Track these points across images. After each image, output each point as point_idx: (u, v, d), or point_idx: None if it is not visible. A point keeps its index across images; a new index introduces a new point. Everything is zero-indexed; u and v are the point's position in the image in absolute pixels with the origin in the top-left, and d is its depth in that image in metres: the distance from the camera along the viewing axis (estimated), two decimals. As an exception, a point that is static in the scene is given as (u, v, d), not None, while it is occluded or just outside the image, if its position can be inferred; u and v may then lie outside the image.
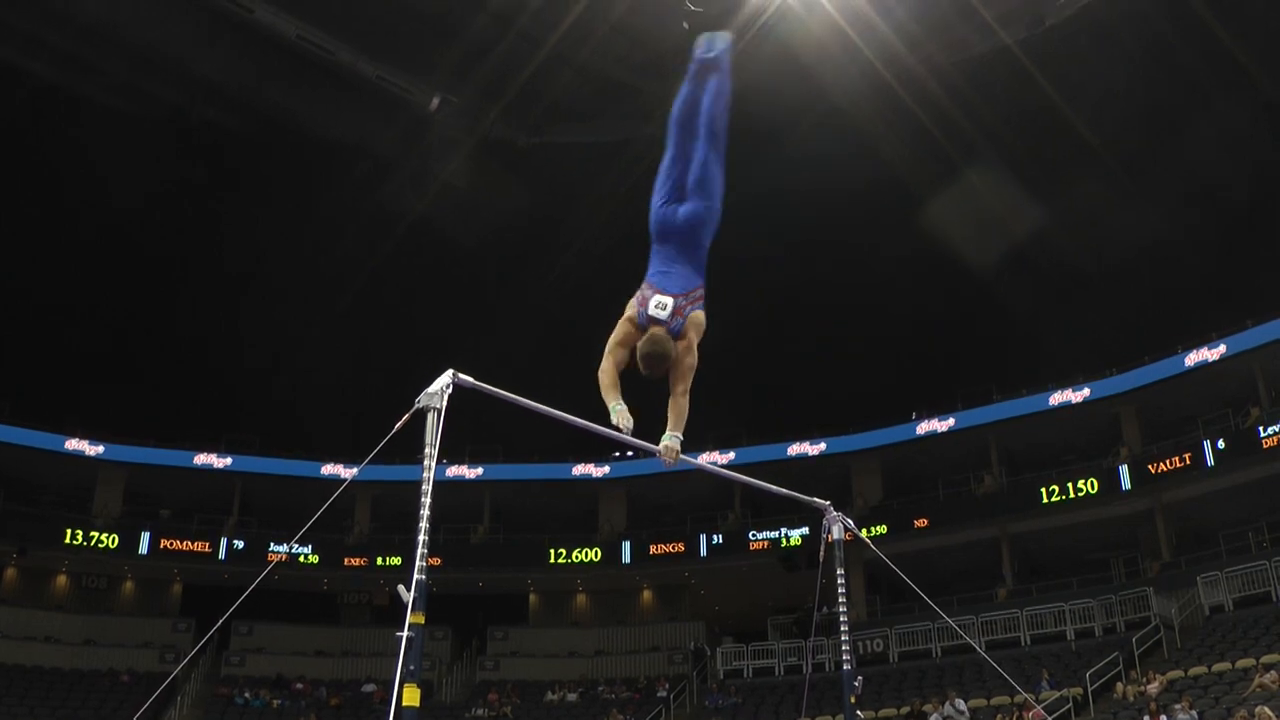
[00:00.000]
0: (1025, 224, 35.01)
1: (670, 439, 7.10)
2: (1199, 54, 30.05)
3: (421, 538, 5.80)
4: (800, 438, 37.75)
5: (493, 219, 35.56)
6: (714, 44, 7.91)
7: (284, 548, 34.74)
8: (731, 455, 36.80)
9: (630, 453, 35.34)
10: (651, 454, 7.26)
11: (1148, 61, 30.83)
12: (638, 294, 7.16)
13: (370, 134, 33.58)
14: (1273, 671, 23.23)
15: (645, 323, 7.03)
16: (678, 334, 7.04)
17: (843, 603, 9.57)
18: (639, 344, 6.99)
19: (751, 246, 37.76)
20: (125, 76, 31.04)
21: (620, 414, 6.88)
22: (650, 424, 7.16)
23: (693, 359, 7.08)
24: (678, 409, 7.11)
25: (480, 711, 33.92)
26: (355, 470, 31.60)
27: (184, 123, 33.21)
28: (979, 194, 33.93)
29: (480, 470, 38.69)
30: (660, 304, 7.03)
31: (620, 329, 7.10)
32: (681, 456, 7.17)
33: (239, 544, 36.77)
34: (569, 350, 37.79)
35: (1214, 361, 32.06)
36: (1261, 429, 30.35)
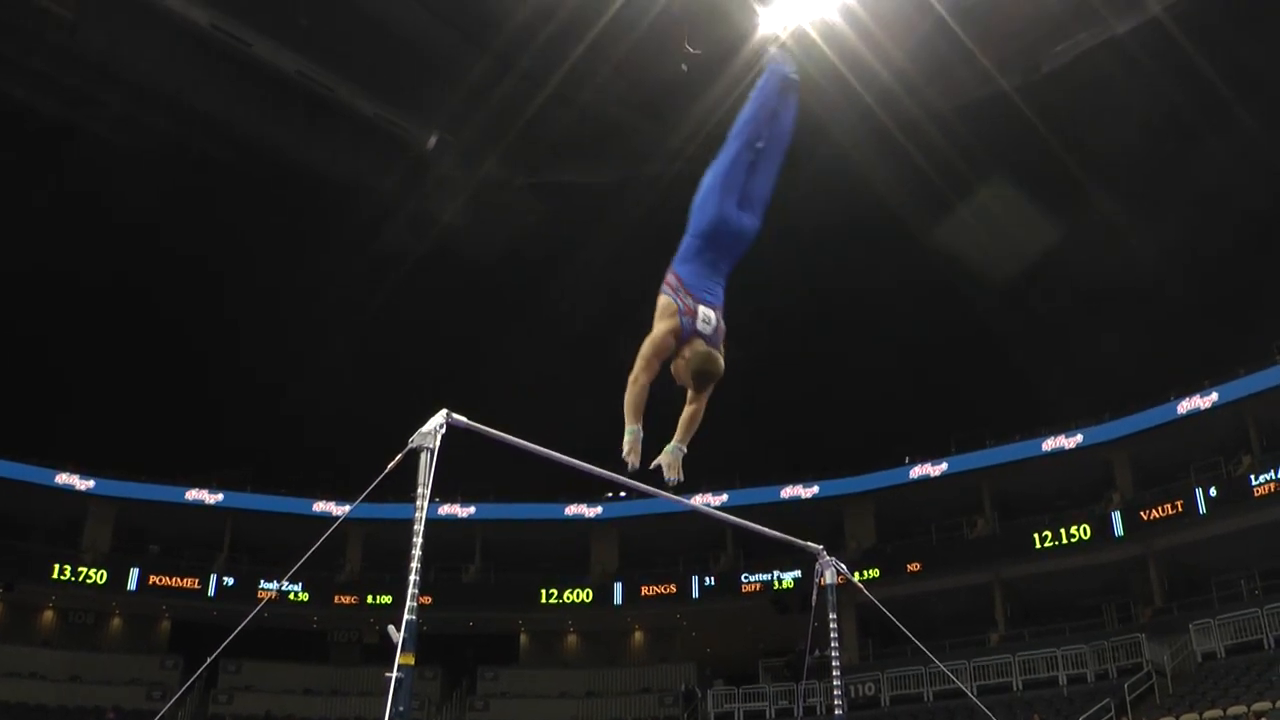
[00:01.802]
0: (1022, 265, 35.14)
1: (676, 450, 6.90)
2: (1199, 105, 30.21)
3: (412, 577, 5.78)
4: (793, 480, 37.75)
5: (492, 254, 35.61)
6: (790, 66, 7.72)
7: (274, 585, 34.62)
8: (724, 497, 36.77)
9: (623, 494, 35.34)
10: (645, 495, 7.22)
11: (1146, 109, 31.01)
12: (674, 296, 6.80)
13: (368, 173, 33.62)
14: (1264, 719, 23.16)
15: (688, 335, 6.74)
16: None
17: (835, 646, 9.54)
18: (692, 360, 6.71)
19: (746, 290, 37.90)
20: (126, 111, 31.12)
21: (633, 443, 6.58)
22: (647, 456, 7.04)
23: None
24: (693, 420, 6.98)
25: (469, 752, 33.77)
26: (347, 508, 31.49)
27: (184, 158, 33.30)
28: (976, 237, 34.05)
29: (472, 509, 38.62)
30: (706, 318, 6.77)
31: (660, 338, 6.70)
32: (675, 498, 7.11)
33: (229, 581, 36.63)
34: (562, 391, 37.98)
35: (1206, 409, 32.12)
36: (1253, 477, 30.39)
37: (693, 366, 6.72)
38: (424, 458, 6.08)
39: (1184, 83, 29.41)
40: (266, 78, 30.51)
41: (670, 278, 6.87)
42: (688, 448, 6.95)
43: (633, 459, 6.64)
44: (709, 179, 7.11)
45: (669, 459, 6.88)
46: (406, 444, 6.15)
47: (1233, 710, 24.87)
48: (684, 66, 28.88)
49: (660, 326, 6.69)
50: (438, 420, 6.19)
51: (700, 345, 6.71)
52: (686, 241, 7.00)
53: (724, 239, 6.98)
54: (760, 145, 7.32)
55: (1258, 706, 24.18)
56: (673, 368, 6.79)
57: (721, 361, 6.82)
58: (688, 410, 6.93)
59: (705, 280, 6.89)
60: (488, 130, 32.23)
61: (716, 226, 6.94)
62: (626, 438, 6.60)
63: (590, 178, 34.64)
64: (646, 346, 6.66)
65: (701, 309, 6.75)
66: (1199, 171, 33.16)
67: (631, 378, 6.63)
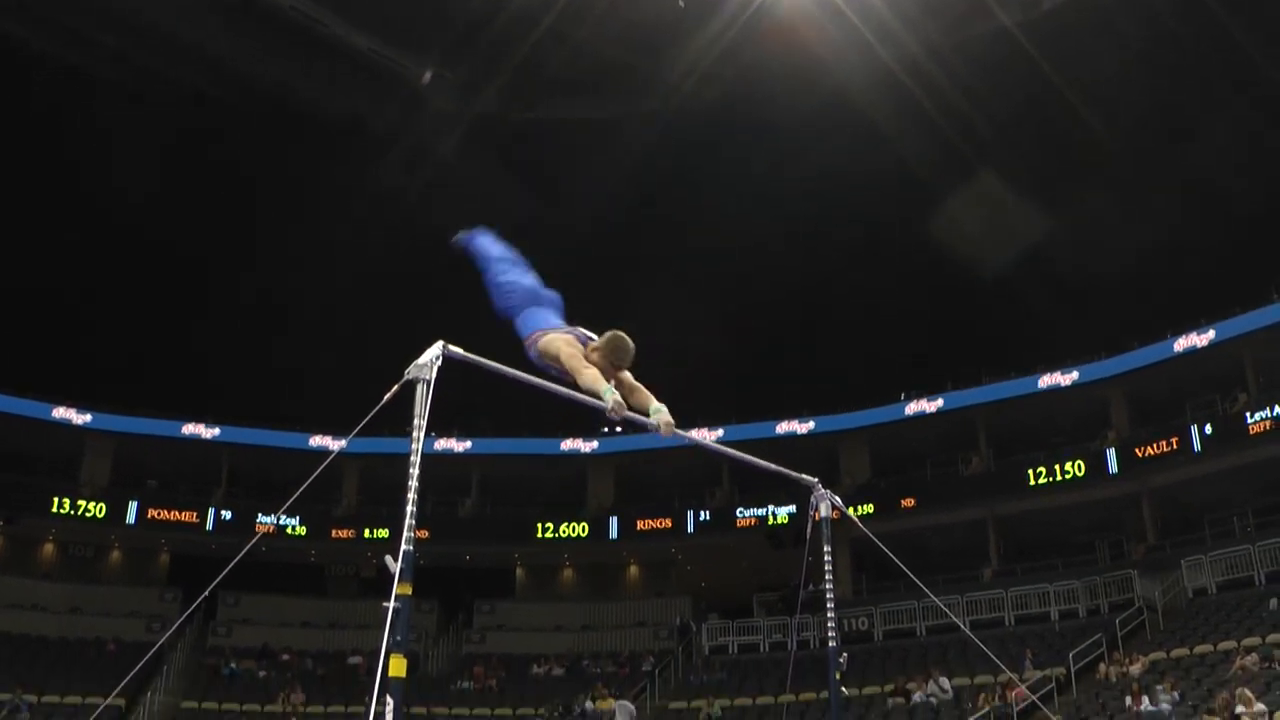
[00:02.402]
0: (1023, 213, 35.05)
1: (658, 410, 7.11)
2: (1203, 45, 30.04)
3: (409, 509, 5.81)
4: (789, 416, 37.79)
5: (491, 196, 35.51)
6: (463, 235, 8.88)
7: (271, 519, 34.75)
8: (720, 432, 36.82)
9: (619, 429, 35.37)
10: (642, 428, 7.27)
11: (1148, 50, 30.81)
12: (548, 336, 7.46)
13: (365, 110, 33.51)
14: (1254, 654, 23.34)
15: (584, 340, 7.41)
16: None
17: (829, 580, 9.59)
18: (604, 345, 7.31)
19: (746, 228, 37.87)
20: (124, 48, 31.00)
21: (614, 398, 6.83)
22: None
23: None
24: (642, 388, 7.34)
25: (466, 685, 34.02)
26: (343, 442, 31.54)
27: (179, 95, 33.16)
28: (978, 180, 33.98)
29: (469, 444, 38.68)
30: (582, 334, 7.50)
31: (571, 349, 7.25)
32: (672, 426, 7.16)
33: (226, 515, 36.75)
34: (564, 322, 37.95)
35: (1203, 347, 32.12)
36: (1249, 415, 30.46)
37: (607, 349, 7.29)
38: (420, 390, 6.08)
39: (1186, 16, 29.24)
40: (261, 13, 30.36)
41: (533, 335, 7.57)
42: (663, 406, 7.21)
43: (620, 409, 6.84)
44: (500, 278, 8.18)
45: (662, 419, 7.08)
46: (402, 377, 6.16)
47: (1222, 645, 25.07)
48: (680, 2, 28.77)
49: (562, 343, 7.29)
50: (434, 351, 6.19)
51: (601, 339, 7.38)
52: (522, 317, 7.80)
53: (543, 299, 7.92)
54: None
55: (1247, 642, 24.37)
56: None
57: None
58: (632, 385, 7.31)
59: (556, 319, 7.73)
60: (483, 66, 32.11)
61: (546, 294, 8.00)
62: (607, 398, 6.83)
63: (586, 114, 34.51)
64: (566, 350, 7.22)
65: (578, 329, 7.54)
66: (1200, 111, 33.03)
67: (577, 368, 7.09)
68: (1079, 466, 33.25)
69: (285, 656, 35.42)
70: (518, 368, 7.03)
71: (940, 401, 36.22)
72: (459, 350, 6.35)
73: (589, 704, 30.58)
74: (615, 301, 38.91)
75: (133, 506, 36.28)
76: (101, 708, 24.00)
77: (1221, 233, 34.98)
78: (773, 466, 9.48)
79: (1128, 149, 34.22)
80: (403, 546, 5.67)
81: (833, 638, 9.70)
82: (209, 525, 36.62)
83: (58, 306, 39.70)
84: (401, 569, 5.61)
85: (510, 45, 30.65)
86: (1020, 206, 34.85)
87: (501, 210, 35.46)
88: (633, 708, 29.35)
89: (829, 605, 9.68)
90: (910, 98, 30.80)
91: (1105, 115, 33.07)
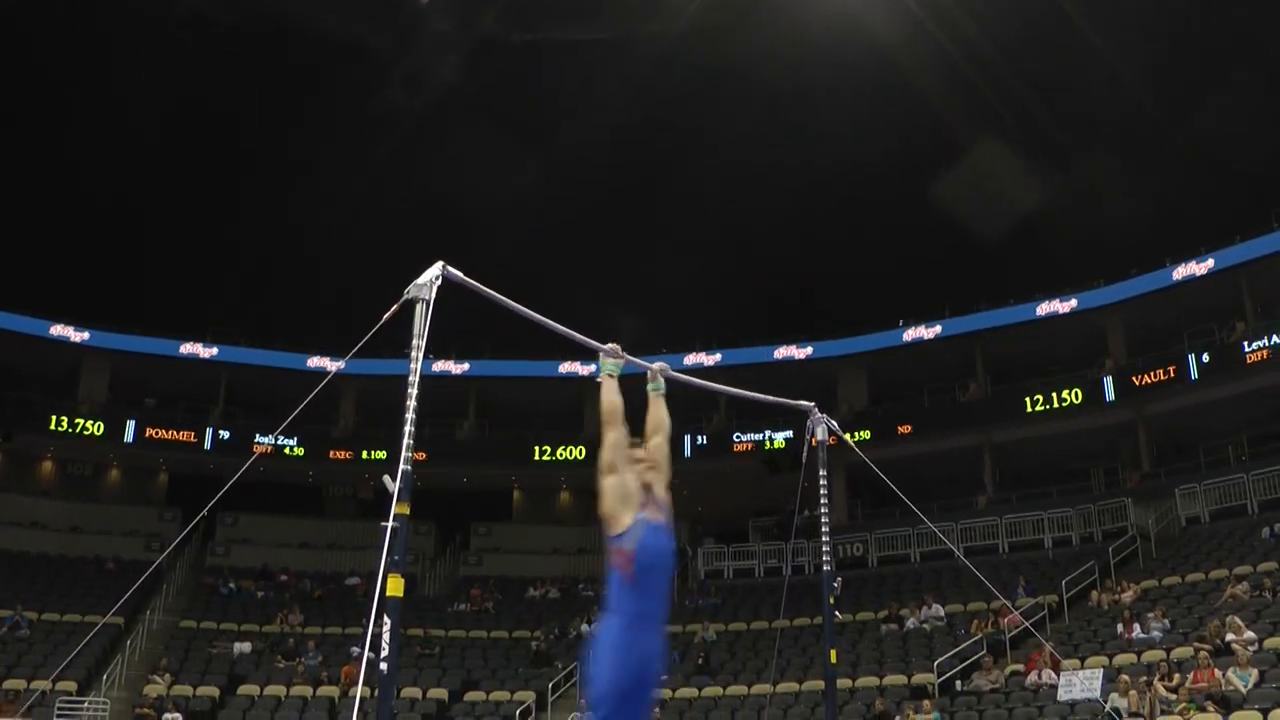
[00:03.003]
0: (1032, 167, 34.89)
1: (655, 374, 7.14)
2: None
3: (407, 428, 5.82)
4: (786, 341, 37.73)
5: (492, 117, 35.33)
6: None
7: (269, 439, 34.78)
8: (718, 357, 36.82)
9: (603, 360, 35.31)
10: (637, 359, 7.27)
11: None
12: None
13: (364, 31, 33.20)
14: (1245, 583, 23.50)
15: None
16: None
17: (824, 506, 9.64)
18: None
19: (750, 150, 37.68)
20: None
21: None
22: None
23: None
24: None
25: (463, 606, 34.25)
26: (341, 363, 31.56)
27: (176, 16, 32.88)
28: (987, 124, 33.76)
29: (466, 366, 38.62)
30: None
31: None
32: (668, 369, 7.18)
33: (225, 435, 36.76)
34: (565, 254, 37.88)
35: (1201, 276, 32.05)
36: (1246, 344, 30.43)
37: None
38: (419, 309, 6.07)
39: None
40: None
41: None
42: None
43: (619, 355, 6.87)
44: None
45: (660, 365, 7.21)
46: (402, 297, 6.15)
47: (1214, 574, 25.20)
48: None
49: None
50: (434, 271, 6.19)
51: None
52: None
53: None
54: None
55: (1239, 570, 24.53)
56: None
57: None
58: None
59: None
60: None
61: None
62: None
63: (589, 35, 34.20)
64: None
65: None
66: (1217, 33, 32.71)
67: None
68: (1076, 394, 33.26)
69: (283, 577, 35.63)
70: (514, 297, 7.02)
71: (938, 328, 36.13)
72: (458, 273, 6.34)
73: (584, 626, 30.82)
74: (618, 227, 39.00)
75: (130, 425, 36.28)
76: (100, 625, 24.13)
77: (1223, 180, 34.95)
78: (769, 398, 9.49)
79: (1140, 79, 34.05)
80: (401, 467, 5.68)
81: (827, 563, 9.77)
82: (207, 445, 36.63)
83: (56, 223, 39.56)
84: (400, 489, 5.63)
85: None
86: (1028, 162, 34.69)
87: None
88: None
89: (824, 531, 9.75)
90: (924, 30, 30.56)
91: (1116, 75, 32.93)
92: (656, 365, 7.11)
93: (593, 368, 38.20)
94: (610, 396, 6.49)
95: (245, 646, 29.86)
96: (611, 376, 6.71)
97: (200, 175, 39.23)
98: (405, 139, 35.37)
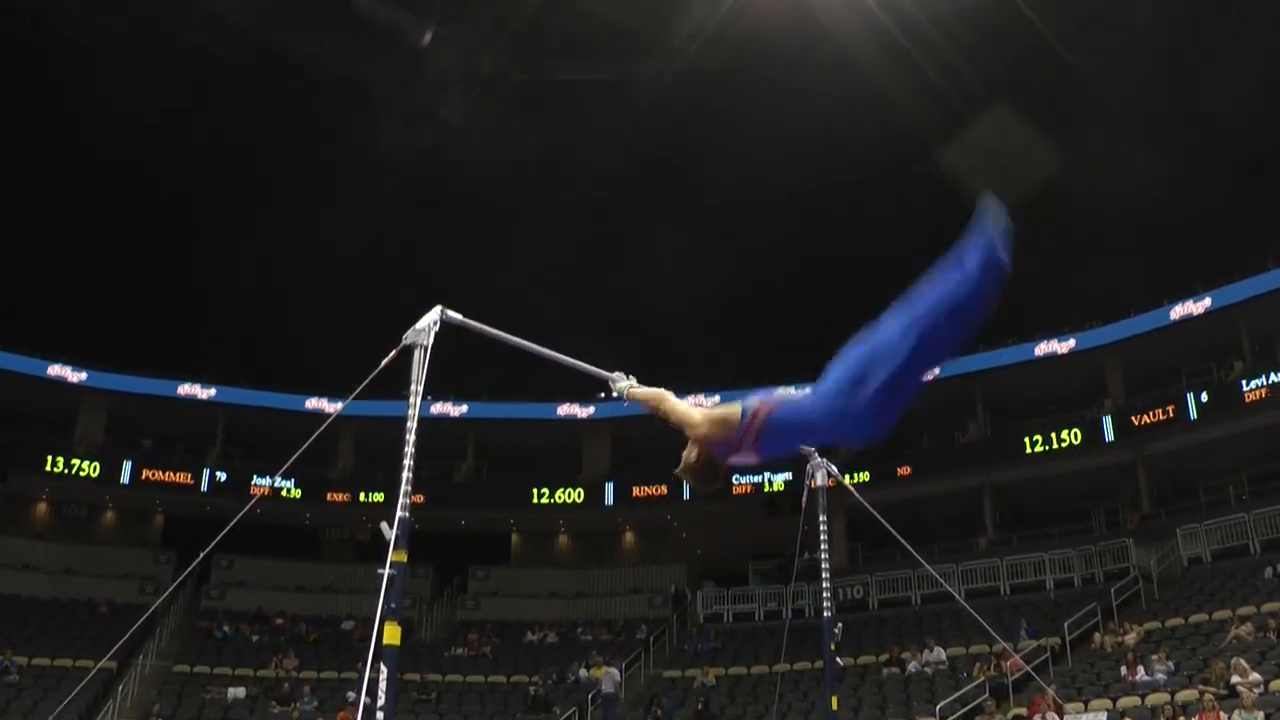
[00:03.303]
0: (1025, 172, 34.89)
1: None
2: (1202, 12, 29.89)
3: (405, 474, 5.75)
4: (786, 382, 37.57)
5: (494, 158, 35.32)
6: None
7: (267, 481, 34.67)
8: (717, 398, 36.75)
9: (610, 388, 35.27)
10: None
11: (1148, 15, 30.66)
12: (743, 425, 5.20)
13: (365, 71, 33.28)
14: (1249, 624, 23.38)
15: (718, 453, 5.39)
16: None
17: (824, 548, 9.56)
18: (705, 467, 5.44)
19: (752, 189, 37.73)
20: (127, 6, 30.79)
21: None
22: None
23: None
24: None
25: (460, 651, 34.06)
26: (340, 405, 31.48)
27: (179, 54, 32.94)
28: (980, 142, 33.77)
29: (465, 408, 38.58)
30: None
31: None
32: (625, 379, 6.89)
33: (221, 476, 36.67)
34: (567, 292, 37.88)
35: (1199, 315, 32.11)
36: (1244, 383, 30.46)
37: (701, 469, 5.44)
38: (417, 354, 6.03)
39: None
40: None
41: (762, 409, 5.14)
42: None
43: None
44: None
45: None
46: (400, 341, 6.10)
47: (1218, 615, 25.11)
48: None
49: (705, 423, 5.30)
50: (432, 316, 6.15)
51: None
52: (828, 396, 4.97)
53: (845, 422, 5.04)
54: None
55: (1243, 611, 24.42)
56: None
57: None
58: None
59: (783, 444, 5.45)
60: (485, 27, 31.86)
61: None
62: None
63: (588, 76, 34.29)
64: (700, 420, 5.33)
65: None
66: (1202, 85, 32.83)
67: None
68: (1075, 434, 33.23)
69: (279, 620, 35.42)
70: (513, 332, 6.95)
71: (936, 369, 36.02)
72: (457, 315, 6.29)
73: (583, 671, 30.66)
74: (618, 260, 39.02)
75: (127, 466, 36.23)
76: (93, 672, 23.93)
77: (1221, 187, 34.94)
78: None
79: (1125, 104, 34.08)
80: (398, 513, 5.62)
81: (828, 606, 9.68)
82: (204, 486, 36.54)
83: (54, 263, 39.56)
84: (397, 535, 5.55)
85: (513, 5, 30.44)
86: (1023, 161, 34.69)
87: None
88: (618, 675, 29.42)
89: (824, 573, 9.66)
90: (910, 59, 30.61)
91: (1109, 70, 32.95)
92: (614, 374, 6.77)
93: (592, 409, 38.41)
94: (667, 401, 5.59)
95: (240, 691, 29.66)
96: (632, 390, 6.27)
97: (198, 215, 39.26)
98: (406, 174, 35.41)
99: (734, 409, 5.18)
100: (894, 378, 4.89)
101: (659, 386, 5.90)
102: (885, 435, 5.16)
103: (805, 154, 34.86)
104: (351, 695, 27.57)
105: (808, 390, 5.09)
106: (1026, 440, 33.96)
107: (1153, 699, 21.39)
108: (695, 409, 5.40)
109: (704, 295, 37.66)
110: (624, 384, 6.53)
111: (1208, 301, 31.97)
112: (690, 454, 5.34)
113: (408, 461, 5.78)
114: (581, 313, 38.12)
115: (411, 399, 5.90)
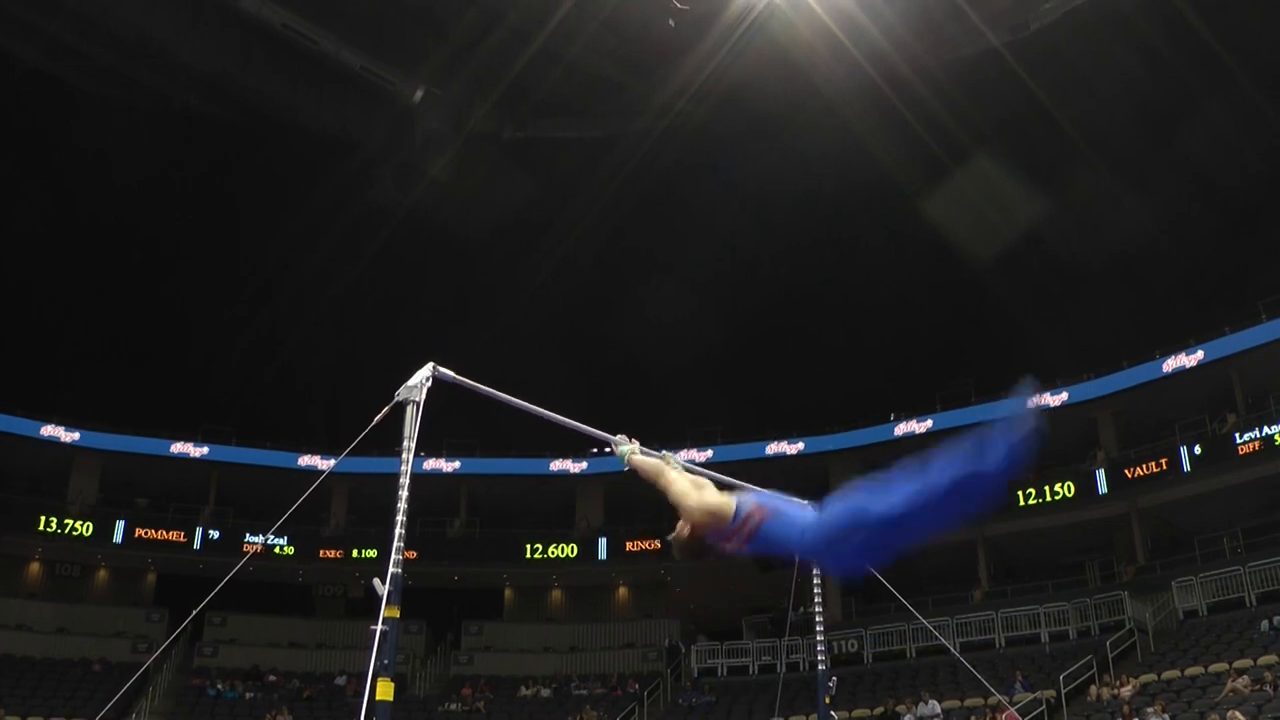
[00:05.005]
0: (1013, 224, 35.13)
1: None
2: (1186, 56, 30.15)
3: (398, 530, 5.78)
4: (778, 437, 37.71)
5: (483, 213, 35.51)
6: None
7: (259, 538, 34.58)
8: (709, 453, 36.74)
9: (608, 449, 35.28)
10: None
11: (1135, 64, 30.96)
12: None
13: (355, 127, 33.48)
14: (1245, 676, 23.32)
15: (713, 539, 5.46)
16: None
17: (818, 603, 9.57)
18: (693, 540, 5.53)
19: (738, 247, 37.91)
20: (112, 63, 30.93)
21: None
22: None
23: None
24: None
25: (453, 706, 33.87)
26: (332, 462, 31.46)
27: (169, 111, 33.09)
28: (967, 195, 34.01)
29: (457, 464, 38.54)
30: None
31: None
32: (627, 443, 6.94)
33: (214, 534, 36.58)
34: (555, 346, 37.97)
35: (1192, 367, 32.15)
36: (1238, 435, 30.47)
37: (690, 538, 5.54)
38: (410, 411, 6.07)
39: (1175, 42, 29.38)
40: (252, 30, 30.36)
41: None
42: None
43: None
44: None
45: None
46: (393, 398, 6.14)
47: (1214, 667, 25.04)
48: (671, 22, 28.78)
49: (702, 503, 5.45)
50: (424, 373, 6.18)
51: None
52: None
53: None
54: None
55: (1239, 664, 24.36)
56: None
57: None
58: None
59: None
60: (474, 85, 32.11)
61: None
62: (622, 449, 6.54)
63: (577, 133, 34.52)
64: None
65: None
66: (1189, 138, 33.11)
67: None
68: (1068, 487, 33.22)
69: (272, 677, 35.21)
70: (505, 382, 6.99)
71: (930, 422, 36.12)
72: (449, 372, 6.33)
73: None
74: (602, 316, 39.15)
75: (120, 525, 36.12)
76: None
77: (1209, 237, 35.17)
78: (759, 489, 9.43)
79: (1115, 150, 34.33)
80: (390, 569, 5.64)
81: (822, 660, 9.69)
82: (196, 544, 36.41)
83: (46, 323, 39.59)
84: (389, 592, 5.57)
85: (502, 64, 30.66)
86: (1011, 213, 34.94)
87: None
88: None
89: (818, 627, 9.67)
90: (897, 115, 30.87)
91: (1090, 124, 33.24)
92: (617, 437, 6.77)
93: (584, 465, 38.37)
94: (666, 475, 5.87)
95: (233, 750, 29.47)
96: (633, 457, 6.37)
97: (187, 274, 39.31)
98: (395, 230, 35.54)
99: (728, 505, 5.31)
100: (887, 536, 5.25)
101: (653, 447, 6.01)
102: (864, 575, 5.83)
103: (792, 206, 35.09)
104: (345, 753, 27.39)
105: (805, 509, 5.35)
106: (1020, 493, 33.89)
107: (1149, 752, 21.30)
108: (692, 491, 5.53)
109: (693, 345, 37.78)
110: (626, 448, 6.55)
111: (1200, 354, 32.02)
112: (683, 530, 5.53)
113: (400, 518, 5.80)
114: (571, 362, 38.28)
115: (404, 455, 5.93)
